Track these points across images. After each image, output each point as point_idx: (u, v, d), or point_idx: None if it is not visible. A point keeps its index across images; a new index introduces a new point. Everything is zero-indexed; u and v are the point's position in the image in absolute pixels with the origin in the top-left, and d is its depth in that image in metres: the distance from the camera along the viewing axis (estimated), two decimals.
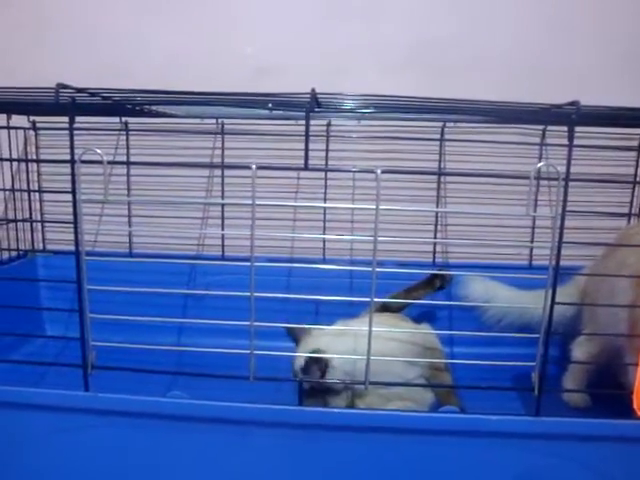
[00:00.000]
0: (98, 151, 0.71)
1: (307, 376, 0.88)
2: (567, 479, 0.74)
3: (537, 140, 1.32)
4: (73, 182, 0.73)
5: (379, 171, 0.69)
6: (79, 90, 0.73)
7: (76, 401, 0.74)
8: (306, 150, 0.68)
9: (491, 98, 0.78)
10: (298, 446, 0.74)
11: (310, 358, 0.89)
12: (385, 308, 1.12)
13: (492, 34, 1.35)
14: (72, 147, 0.73)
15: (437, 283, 1.16)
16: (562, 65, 1.34)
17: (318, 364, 0.89)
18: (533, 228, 1.33)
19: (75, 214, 0.73)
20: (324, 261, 1.37)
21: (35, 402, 0.75)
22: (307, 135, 0.68)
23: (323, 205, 1.40)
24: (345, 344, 0.92)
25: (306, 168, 0.69)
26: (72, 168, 0.72)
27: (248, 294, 0.74)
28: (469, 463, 0.74)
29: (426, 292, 1.16)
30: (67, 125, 0.72)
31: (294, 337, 1.03)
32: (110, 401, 0.73)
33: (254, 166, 0.69)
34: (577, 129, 0.70)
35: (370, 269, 0.72)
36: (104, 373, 0.76)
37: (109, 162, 0.71)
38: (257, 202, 0.71)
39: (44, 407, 0.75)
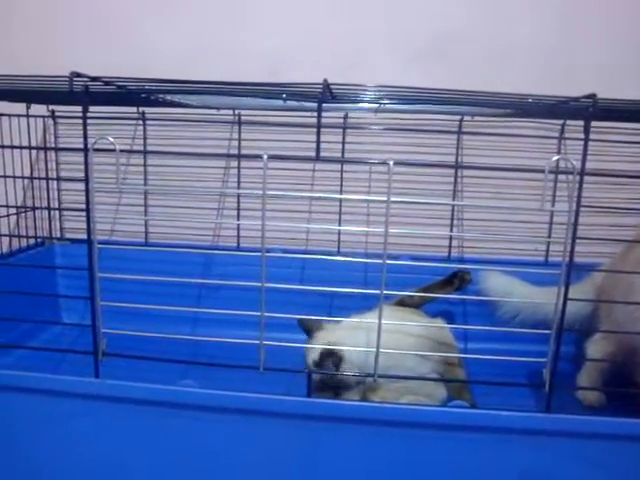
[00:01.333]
0: (111, 139, 0.71)
1: (321, 369, 0.88)
2: (577, 477, 0.73)
3: (556, 134, 1.30)
4: (86, 170, 0.73)
5: (391, 163, 0.68)
6: (93, 79, 0.73)
7: (85, 387, 0.75)
8: (318, 140, 0.68)
9: (509, 91, 0.77)
10: (306, 438, 0.74)
11: (324, 351, 0.88)
12: (401, 303, 1.11)
13: (509, 26, 1.33)
14: (85, 135, 0.73)
15: (456, 283, 1.15)
16: (581, 57, 1.32)
17: (332, 358, 0.88)
18: (550, 224, 1.31)
19: (87, 202, 0.74)
20: (339, 254, 1.36)
21: (45, 387, 0.76)
22: (319, 125, 0.67)
23: (334, 196, 1.39)
24: (359, 338, 0.91)
25: (317, 159, 0.69)
26: (85, 156, 0.73)
27: (259, 284, 0.74)
28: (478, 458, 0.74)
29: (445, 292, 1.16)
30: (90, 117, 0.72)
31: (306, 329, 1.02)
32: (119, 388, 0.74)
33: (265, 156, 0.69)
34: (599, 124, 0.69)
35: (381, 262, 0.72)
36: (121, 361, 0.77)
37: (122, 150, 0.71)
38: (269, 193, 0.71)
39: (54, 392, 0.75)
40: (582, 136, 0.69)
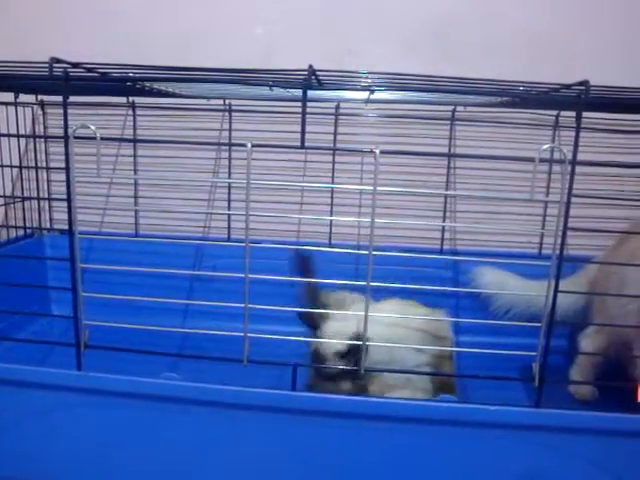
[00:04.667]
0: (92, 127, 0.70)
1: (346, 360, 0.86)
2: (567, 472, 0.72)
3: (551, 124, 1.28)
4: (67, 159, 0.71)
5: (377, 151, 0.67)
6: (74, 65, 0.71)
7: (67, 380, 0.74)
8: (303, 128, 0.66)
9: (505, 77, 0.75)
10: (290, 432, 0.73)
11: (353, 343, 0.86)
12: None
13: (505, 11, 1.31)
14: (66, 123, 0.71)
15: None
16: (578, 43, 1.30)
17: (358, 349, 0.86)
18: (544, 216, 1.30)
19: (68, 191, 0.72)
20: (330, 246, 1.35)
21: (27, 379, 0.75)
22: (304, 112, 0.66)
23: (321, 186, 1.38)
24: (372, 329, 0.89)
25: (302, 147, 0.67)
26: (66, 144, 0.71)
27: (242, 275, 0.72)
28: (467, 453, 0.73)
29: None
30: (76, 102, 0.71)
31: (310, 321, 0.99)
32: (101, 380, 0.73)
33: (249, 144, 0.67)
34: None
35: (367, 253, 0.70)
36: (109, 354, 0.76)
37: (102, 138, 0.70)
38: (254, 182, 0.69)
39: (36, 385, 0.74)
40: (587, 126, 0.68)
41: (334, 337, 0.88)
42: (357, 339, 0.85)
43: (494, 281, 1.09)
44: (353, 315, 0.94)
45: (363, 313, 0.92)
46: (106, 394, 0.73)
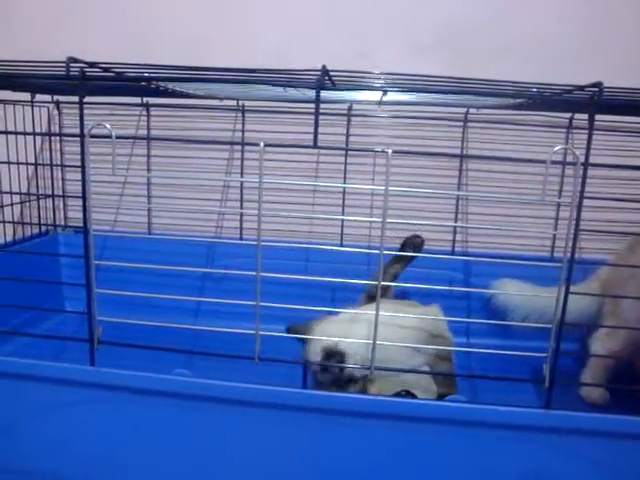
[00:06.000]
0: (107, 126, 0.70)
1: (326, 372, 0.87)
2: (576, 475, 0.71)
3: (565, 126, 1.28)
4: (82, 157, 0.72)
5: (390, 151, 0.67)
6: (91, 64, 0.72)
7: (80, 375, 0.75)
8: (316, 127, 0.67)
9: (517, 80, 0.75)
10: (300, 429, 0.74)
11: (327, 351, 0.87)
12: (370, 296, 1.07)
13: (517, 14, 1.31)
14: (82, 121, 0.72)
15: (409, 251, 1.09)
16: (590, 46, 1.29)
17: (335, 356, 0.87)
18: (557, 219, 1.29)
19: (84, 189, 0.73)
20: (341, 246, 1.35)
21: (40, 374, 0.76)
22: (317, 112, 0.66)
23: (332, 185, 1.39)
24: (357, 331, 0.90)
25: (315, 146, 0.68)
26: (82, 143, 0.72)
27: (254, 274, 0.73)
28: (476, 453, 0.73)
29: (402, 264, 1.10)
30: (90, 102, 0.72)
31: (297, 334, 1.00)
32: (113, 376, 0.73)
33: (262, 144, 0.68)
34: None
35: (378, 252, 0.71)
36: (123, 351, 0.76)
37: (118, 137, 0.71)
38: (266, 181, 0.70)
39: (49, 380, 0.76)
40: (599, 128, 0.68)
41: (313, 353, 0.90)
42: (330, 354, 0.86)
43: (513, 296, 1.08)
44: (336, 328, 0.95)
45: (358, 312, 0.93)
46: (118, 389, 0.74)
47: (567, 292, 0.70)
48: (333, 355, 0.87)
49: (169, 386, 0.73)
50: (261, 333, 0.74)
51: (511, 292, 1.09)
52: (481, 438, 0.72)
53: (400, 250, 1.09)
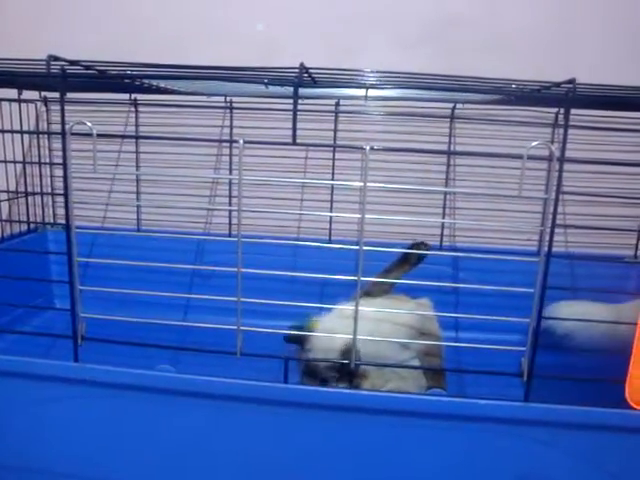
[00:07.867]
0: (88, 123, 0.71)
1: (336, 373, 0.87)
2: (555, 467, 0.72)
3: (550, 122, 1.28)
4: (64, 154, 0.73)
5: (367, 147, 0.68)
6: (72, 62, 0.73)
7: (64, 371, 0.75)
8: (294, 125, 0.67)
9: (506, 76, 0.76)
10: (282, 424, 0.74)
11: (346, 347, 0.86)
12: (368, 294, 1.08)
13: (507, 11, 1.31)
14: (63, 119, 0.73)
15: (413, 258, 1.12)
16: (580, 43, 1.30)
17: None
18: (544, 213, 1.30)
19: (66, 186, 0.74)
20: (330, 243, 1.36)
21: (24, 371, 0.76)
22: (295, 110, 0.67)
23: (312, 181, 1.39)
24: (365, 327, 0.90)
25: (294, 143, 0.68)
26: (63, 140, 0.72)
27: (235, 269, 0.74)
28: (457, 447, 0.73)
29: (404, 270, 1.12)
30: (78, 99, 0.72)
31: (297, 338, 0.99)
32: (96, 372, 0.74)
33: (241, 141, 0.68)
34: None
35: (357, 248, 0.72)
36: (109, 348, 0.77)
37: (99, 135, 0.71)
38: (249, 180, 0.71)
39: (32, 376, 0.76)
40: (577, 124, 0.68)
41: (325, 352, 0.89)
42: (347, 350, 0.86)
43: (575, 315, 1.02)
44: (340, 325, 0.94)
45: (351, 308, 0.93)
46: (101, 386, 0.75)
47: (544, 286, 0.70)
48: (349, 352, 0.87)
49: (152, 382, 0.74)
50: (243, 328, 0.75)
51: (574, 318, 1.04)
52: (462, 431, 0.73)
53: (406, 255, 1.11)
